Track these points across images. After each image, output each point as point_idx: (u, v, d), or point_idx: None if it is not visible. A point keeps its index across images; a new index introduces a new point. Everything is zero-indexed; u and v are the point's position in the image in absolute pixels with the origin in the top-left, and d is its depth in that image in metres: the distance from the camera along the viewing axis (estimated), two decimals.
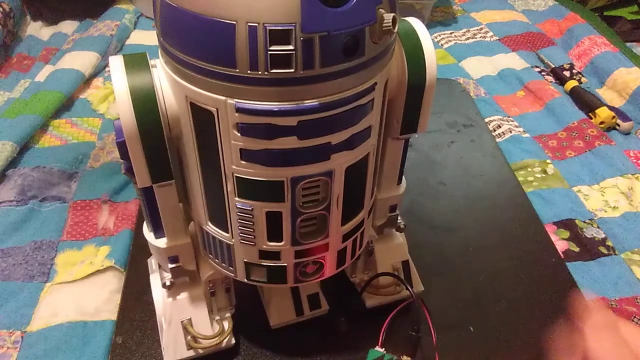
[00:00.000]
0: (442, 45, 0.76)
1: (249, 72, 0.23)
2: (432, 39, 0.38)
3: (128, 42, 0.75)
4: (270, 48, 0.23)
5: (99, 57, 0.67)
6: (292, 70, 0.23)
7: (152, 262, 0.39)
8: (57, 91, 0.60)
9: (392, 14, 0.24)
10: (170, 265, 0.34)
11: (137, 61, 0.27)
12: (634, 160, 0.55)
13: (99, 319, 0.40)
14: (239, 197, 0.29)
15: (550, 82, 0.67)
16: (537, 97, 0.64)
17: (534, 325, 0.40)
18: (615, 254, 0.46)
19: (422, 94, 0.31)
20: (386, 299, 0.40)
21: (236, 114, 0.25)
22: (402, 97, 0.31)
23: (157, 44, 0.28)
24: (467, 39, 0.77)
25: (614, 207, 0.50)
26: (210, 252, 0.34)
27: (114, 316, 0.40)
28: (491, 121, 0.61)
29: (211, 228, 0.32)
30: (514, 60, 0.72)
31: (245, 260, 0.32)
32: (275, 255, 0.31)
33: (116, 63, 0.27)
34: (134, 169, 0.28)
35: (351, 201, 0.31)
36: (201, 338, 0.36)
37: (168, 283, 0.35)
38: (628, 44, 0.73)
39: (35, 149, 0.55)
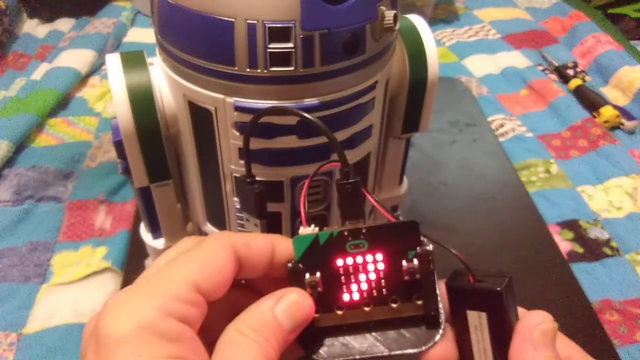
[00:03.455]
0: (444, 43, 0.76)
1: (247, 70, 0.23)
2: (434, 37, 0.38)
3: (125, 39, 0.74)
4: (270, 46, 0.22)
5: (96, 55, 0.67)
6: (292, 68, 0.23)
7: (150, 263, 0.38)
8: (53, 90, 0.60)
9: (394, 12, 0.23)
10: None
11: (134, 59, 0.27)
12: (639, 160, 0.54)
13: None
14: (237, 197, 0.28)
15: (554, 80, 0.67)
16: (540, 96, 0.64)
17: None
18: (620, 255, 0.45)
19: (424, 92, 0.31)
20: None
21: (235, 113, 0.25)
22: (403, 96, 0.31)
23: (154, 41, 0.27)
24: (470, 36, 0.77)
25: (618, 207, 0.50)
26: None
27: None
28: (494, 120, 0.61)
29: (210, 228, 0.32)
30: (517, 59, 0.71)
31: None
32: None
33: (113, 61, 0.27)
34: (131, 169, 0.28)
35: None
36: None
37: None
38: (632, 42, 0.72)
39: (31, 148, 0.54)
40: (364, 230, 0.19)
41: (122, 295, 0.16)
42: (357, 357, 0.19)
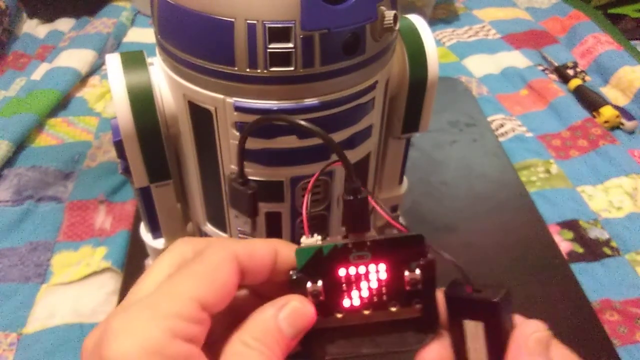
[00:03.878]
0: (444, 43, 0.76)
1: (247, 70, 0.23)
2: (434, 37, 0.38)
3: (125, 39, 0.74)
4: (270, 46, 0.22)
5: (96, 55, 0.67)
6: (292, 68, 0.23)
7: (150, 264, 0.38)
8: (53, 90, 0.60)
9: (394, 11, 0.23)
10: None
11: (134, 59, 0.27)
12: (639, 160, 0.54)
13: (96, 321, 0.39)
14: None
15: (554, 80, 0.67)
16: (540, 96, 0.64)
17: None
18: (620, 255, 0.45)
19: (424, 92, 0.31)
20: None
21: (235, 113, 0.25)
22: (403, 96, 0.31)
23: (154, 41, 0.27)
24: (470, 36, 0.77)
25: (618, 207, 0.50)
26: None
27: None
28: (494, 120, 0.61)
29: (210, 229, 0.32)
30: (517, 59, 0.71)
31: None
32: None
33: (113, 61, 0.27)
34: (131, 169, 0.28)
35: None
36: None
37: None
38: (632, 42, 0.72)
39: (31, 148, 0.54)
40: (368, 243, 0.19)
41: (126, 316, 0.16)
42: (354, 355, 0.19)
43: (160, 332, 0.15)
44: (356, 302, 0.19)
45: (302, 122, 0.19)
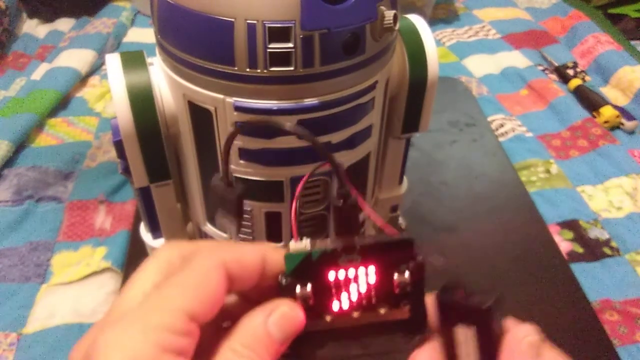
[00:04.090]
0: (444, 43, 0.76)
1: (247, 70, 0.23)
2: (434, 37, 0.38)
3: (125, 39, 0.74)
4: (270, 46, 0.22)
5: (96, 55, 0.67)
6: (292, 68, 0.23)
7: None
8: (53, 90, 0.60)
9: (393, 11, 0.23)
10: None
11: (134, 59, 0.27)
12: (639, 160, 0.54)
13: (96, 321, 0.39)
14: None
15: (554, 80, 0.67)
16: (540, 96, 0.64)
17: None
18: (620, 255, 0.45)
19: (424, 92, 0.31)
20: None
21: (235, 113, 0.25)
22: (403, 96, 0.31)
23: (154, 41, 0.27)
24: (470, 36, 0.77)
25: (619, 207, 0.50)
26: None
27: None
28: (494, 120, 0.61)
29: (210, 229, 0.32)
30: (517, 59, 0.71)
31: None
32: None
33: (113, 61, 0.27)
34: (131, 169, 0.28)
35: None
36: None
37: None
38: (632, 42, 0.72)
39: (31, 149, 0.54)
40: (358, 247, 0.19)
41: (115, 329, 0.15)
42: (343, 357, 0.19)
43: (150, 346, 0.15)
44: (345, 305, 0.19)
45: (291, 125, 0.19)
